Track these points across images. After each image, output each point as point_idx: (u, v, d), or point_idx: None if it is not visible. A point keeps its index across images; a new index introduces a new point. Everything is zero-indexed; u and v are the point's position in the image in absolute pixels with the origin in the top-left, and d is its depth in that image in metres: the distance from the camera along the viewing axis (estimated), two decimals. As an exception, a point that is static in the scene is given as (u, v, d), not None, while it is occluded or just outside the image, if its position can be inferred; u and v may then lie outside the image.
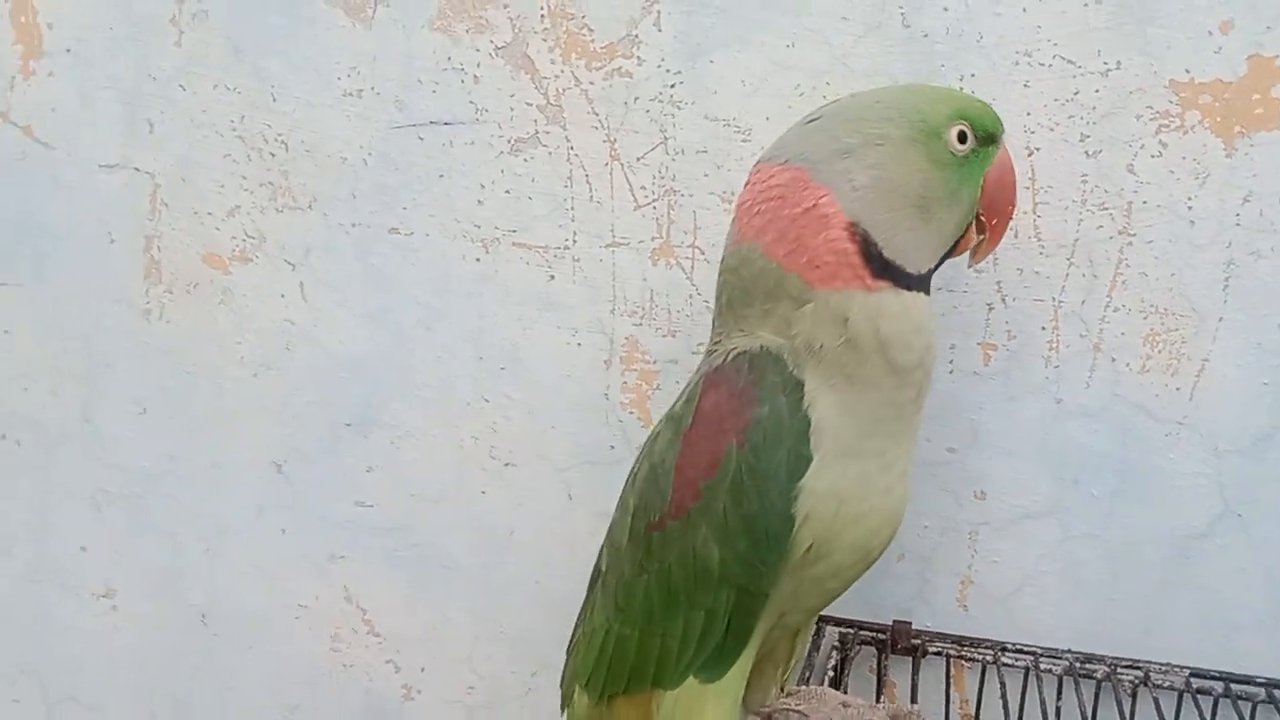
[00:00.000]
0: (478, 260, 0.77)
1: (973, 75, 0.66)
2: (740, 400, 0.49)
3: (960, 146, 0.51)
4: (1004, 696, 0.64)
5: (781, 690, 0.60)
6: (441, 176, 0.76)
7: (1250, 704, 0.63)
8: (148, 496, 0.88)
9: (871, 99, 0.53)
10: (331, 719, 0.86)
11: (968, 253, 0.56)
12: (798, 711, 0.58)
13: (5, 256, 0.88)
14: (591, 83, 0.72)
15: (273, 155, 0.79)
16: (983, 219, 0.54)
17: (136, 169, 0.83)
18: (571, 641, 0.61)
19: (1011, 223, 0.57)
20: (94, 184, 0.84)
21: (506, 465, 0.79)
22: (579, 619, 0.61)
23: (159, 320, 0.85)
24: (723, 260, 0.55)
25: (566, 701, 0.61)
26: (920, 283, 0.52)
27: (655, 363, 0.74)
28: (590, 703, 0.57)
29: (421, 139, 0.76)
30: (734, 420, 0.49)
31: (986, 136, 0.53)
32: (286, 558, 0.85)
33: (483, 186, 0.76)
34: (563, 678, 0.62)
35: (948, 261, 0.55)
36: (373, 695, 0.85)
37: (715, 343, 0.55)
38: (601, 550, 0.59)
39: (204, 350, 0.84)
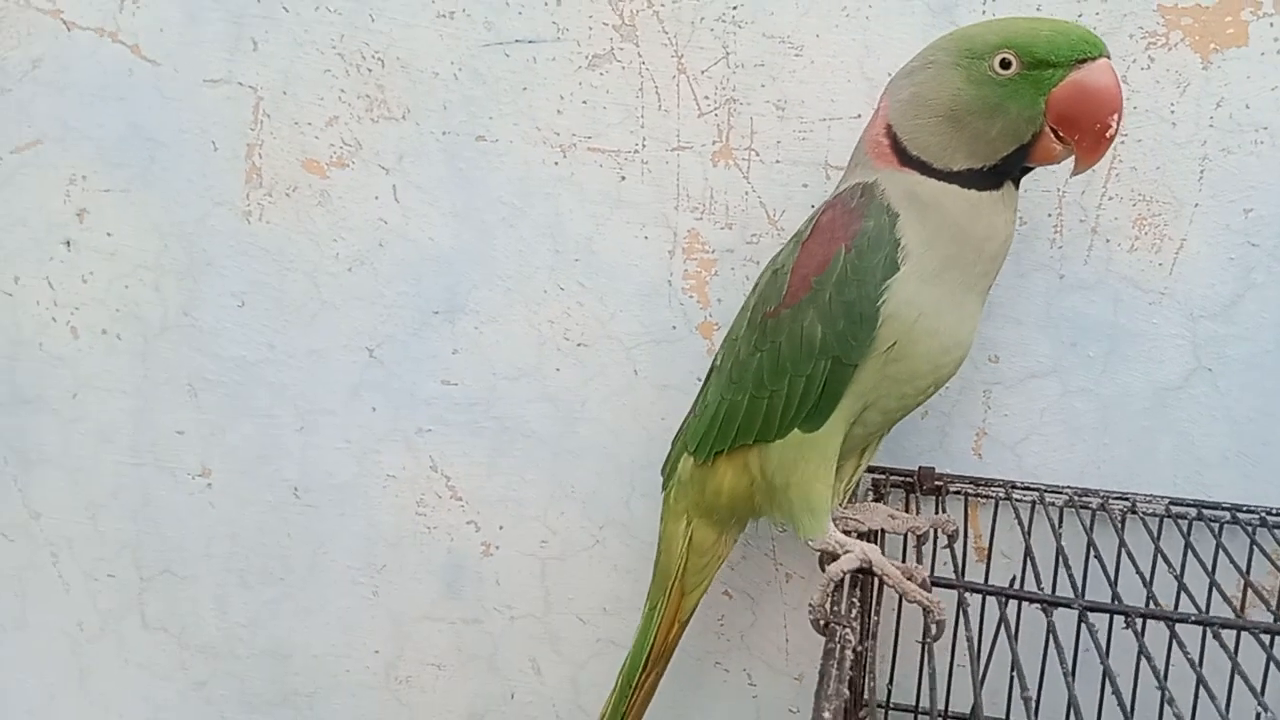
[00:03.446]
0: (555, 164, 0.87)
1: (994, 1, 0.78)
2: (851, 216, 0.62)
3: (1002, 71, 0.60)
4: (1019, 522, 0.76)
5: (840, 505, 0.72)
6: (525, 89, 0.87)
7: (1219, 524, 0.76)
8: (245, 383, 0.97)
9: (950, 33, 0.65)
10: (416, 576, 0.97)
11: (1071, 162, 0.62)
12: (855, 519, 0.70)
13: (112, 165, 0.96)
14: (662, 4, 0.83)
15: (369, 71, 0.89)
16: (1059, 132, 0.60)
17: (240, 83, 0.92)
18: (678, 433, 0.75)
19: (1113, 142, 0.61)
20: (198, 97, 0.93)
21: (579, 345, 0.90)
22: (688, 414, 0.74)
23: (259, 221, 0.94)
24: None
25: (670, 473, 0.75)
26: (969, 179, 0.62)
27: (714, 252, 0.86)
28: (696, 464, 0.71)
29: (507, 55, 0.86)
30: (844, 231, 0.62)
31: (1036, 62, 0.59)
32: (377, 433, 0.95)
33: (561, 98, 0.86)
34: (665, 463, 0.76)
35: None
36: (454, 553, 0.96)
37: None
38: (717, 353, 0.72)
39: (301, 248, 0.93)
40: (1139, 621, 0.57)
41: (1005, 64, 0.59)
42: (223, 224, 0.95)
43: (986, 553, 0.83)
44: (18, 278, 1.01)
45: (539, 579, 0.94)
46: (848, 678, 0.49)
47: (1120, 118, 0.59)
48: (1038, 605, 0.59)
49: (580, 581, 0.93)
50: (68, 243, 0.99)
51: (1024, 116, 0.60)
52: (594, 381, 0.90)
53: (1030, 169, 0.64)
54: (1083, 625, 0.59)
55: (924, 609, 0.59)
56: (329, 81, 0.90)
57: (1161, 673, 0.54)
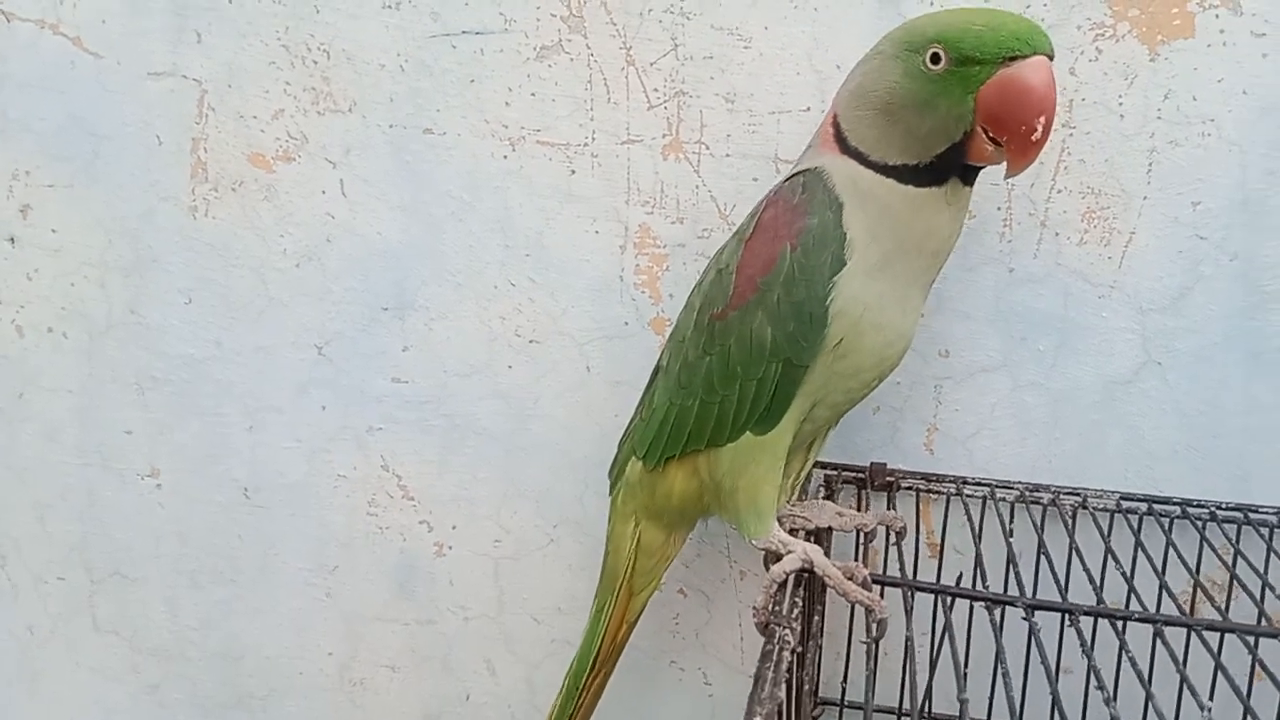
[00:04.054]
0: (505, 157, 0.86)
1: (943, -9, 0.77)
2: (794, 212, 0.61)
3: (933, 66, 0.58)
4: (969, 518, 0.76)
5: (788, 503, 0.72)
6: (472, 81, 0.85)
7: (1169, 519, 0.76)
8: (193, 381, 0.96)
9: (903, 24, 0.63)
10: (368, 576, 0.96)
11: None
12: (802, 517, 0.70)
13: (55, 159, 0.95)
14: (611, -4, 0.82)
15: (315, 63, 0.88)
16: (988, 133, 0.58)
17: (184, 76, 0.90)
18: (625, 433, 0.73)
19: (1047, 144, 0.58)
20: (142, 90, 0.92)
21: (530, 342, 0.89)
22: (634, 415, 0.73)
23: (204, 217, 0.93)
24: None
25: (617, 477, 0.74)
26: (904, 174, 0.61)
27: (665, 247, 0.85)
28: (646, 469, 0.69)
29: (454, 47, 0.85)
30: (788, 228, 0.61)
31: (963, 58, 0.57)
32: (326, 432, 0.94)
33: (510, 90, 0.85)
34: (612, 465, 0.74)
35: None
36: (406, 553, 0.94)
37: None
38: (661, 353, 0.71)
39: (248, 243, 0.92)
40: (1082, 619, 0.57)
41: (935, 59, 0.58)
42: (168, 219, 0.93)
43: (939, 549, 0.82)
44: (-40, 275, 0.99)
45: (493, 579, 0.93)
46: (784, 680, 0.49)
47: (1049, 120, 0.56)
48: (983, 604, 0.59)
49: (534, 581, 0.92)
50: (11, 239, 0.97)
51: (953, 114, 0.58)
52: (546, 378, 0.89)
53: (978, 167, 0.62)
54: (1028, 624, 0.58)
55: (866, 609, 0.58)
56: (274, 74, 0.89)
57: (1106, 670, 0.53)
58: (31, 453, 1.01)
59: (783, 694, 0.48)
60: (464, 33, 0.85)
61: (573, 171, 0.85)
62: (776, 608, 0.56)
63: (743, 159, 0.82)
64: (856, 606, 0.74)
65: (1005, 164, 0.59)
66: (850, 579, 0.59)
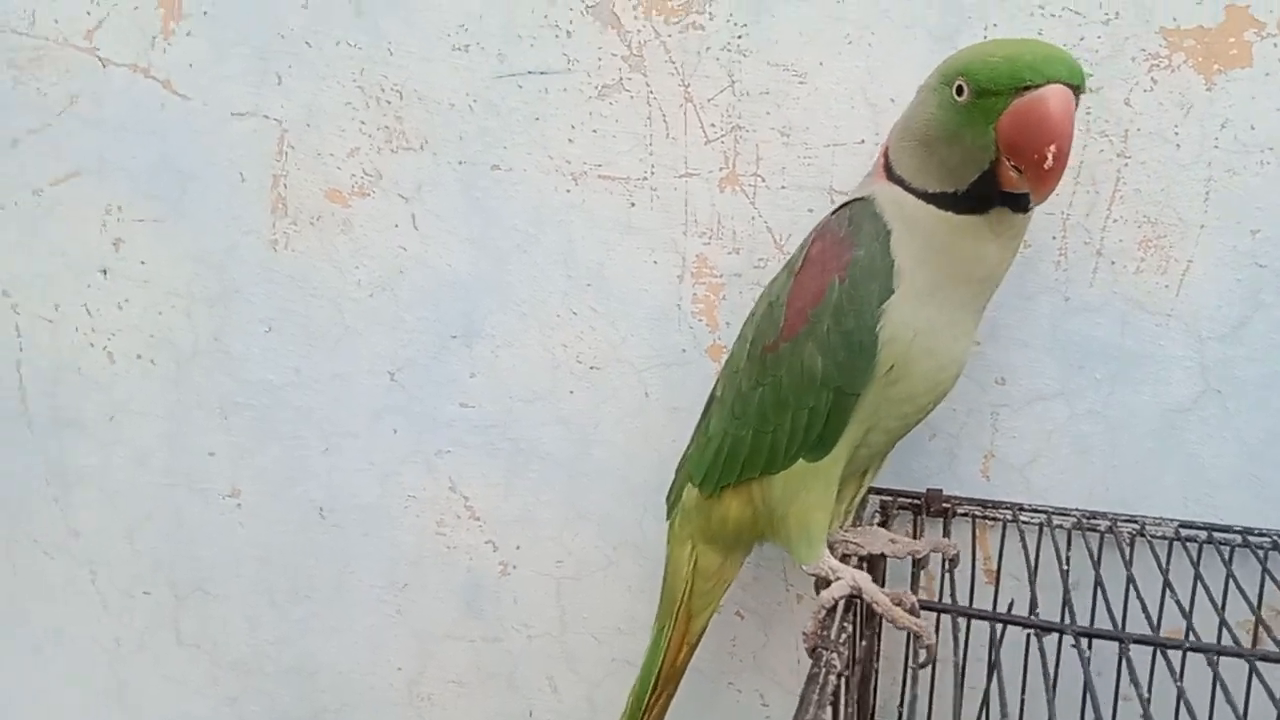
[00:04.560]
0: (568, 191, 0.89)
1: (994, 25, 0.78)
2: (842, 245, 0.63)
3: (959, 98, 0.59)
4: (1024, 547, 0.76)
5: (841, 529, 0.73)
6: (537, 119, 0.89)
7: (1229, 548, 0.75)
8: (273, 406, 1.00)
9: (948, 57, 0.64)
10: (437, 594, 0.99)
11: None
12: (855, 543, 0.71)
13: (145, 196, 1.00)
14: (669, 35, 0.84)
15: (389, 103, 0.92)
16: (1010, 161, 0.58)
17: (266, 116, 0.95)
18: (682, 459, 0.75)
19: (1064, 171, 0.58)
20: (226, 130, 0.97)
21: (591, 369, 0.91)
22: (690, 442, 0.75)
23: (284, 250, 0.97)
24: None
25: (674, 502, 0.76)
26: (945, 202, 0.62)
27: (722, 276, 0.87)
28: (702, 496, 0.71)
29: (520, 87, 0.89)
30: (836, 261, 0.63)
31: (981, 90, 0.58)
32: (398, 454, 0.97)
33: (573, 127, 0.88)
34: (670, 490, 0.76)
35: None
36: (473, 572, 0.98)
37: None
38: (716, 382, 0.73)
39: (325, 275, 0.96)
40: (1127, 647, 0.57)
41: (960, 91, 0.59)
42: (250, 252, 0.98)
43: (995, 576, 0.83)
44: (58, 305, 1.05)
45: (555, 598, 0.96)
46: (829, 702, 0.50)
47: (1061, 149, 0.56)
48: (1031, 631, 0.59)
49: (595, 601, 0.95)
50: (104, 271, 1.03)
51: (978, 144, 0.59)
52: (606, 404, 0.91)
53: (1020, 195, 0.63)
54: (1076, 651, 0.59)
55: (913, 634, 0.59)
56: (350, 113, 0.93)
57: (1165, 703, 0.54)
58: (122, 474, 1.06)
59: (828, 716, 0.49)
60: (529, 73, 0.88)
61: (633, 204, 0.88)
62: (825, 632, 0.58)
63: (798, 191, 0.84)
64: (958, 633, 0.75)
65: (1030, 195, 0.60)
66: (898, 605, 0.60)
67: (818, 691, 0.50)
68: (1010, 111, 0.57)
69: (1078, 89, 0.57)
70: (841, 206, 0.66)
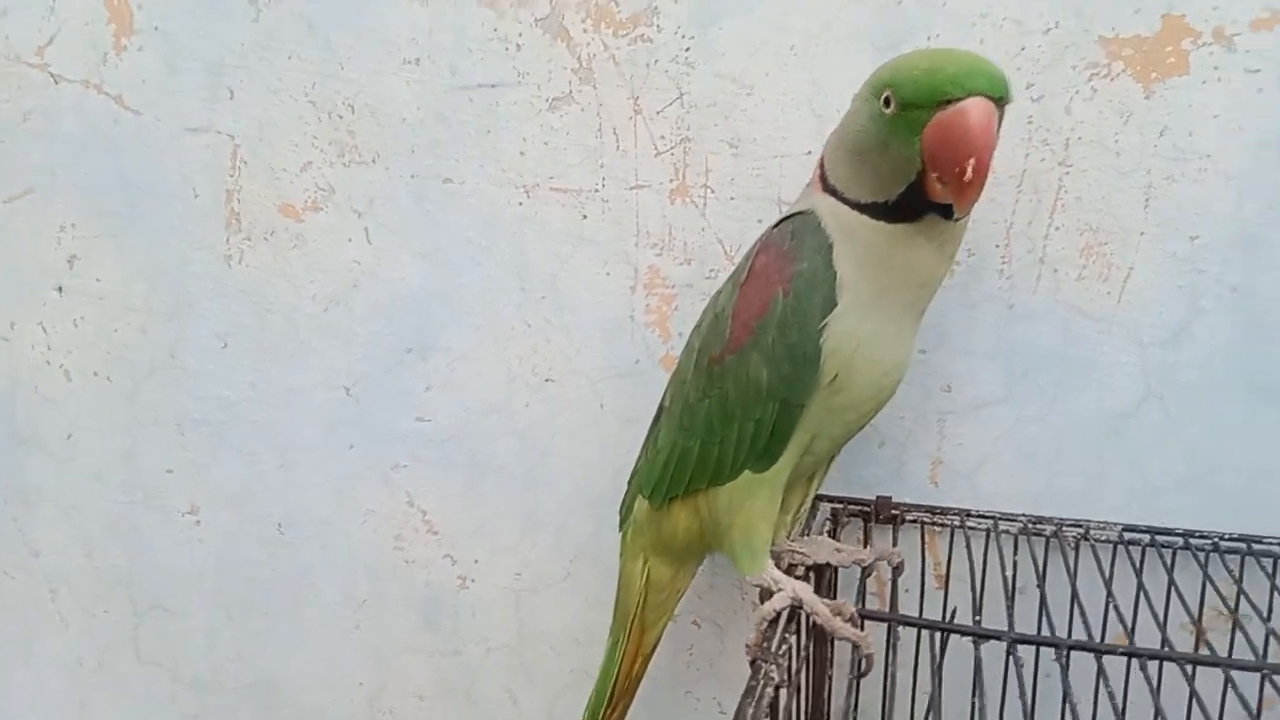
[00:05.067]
0: (520, 204, 0.89)
1: (937, 35, 0.79)
2: (785, 259, 0.63)
3: (885, 110, 0.59)
4: (969, 554, 0.77)
5: (788, 538, 0.74)
6: (488, 132, 0.89)
7: (1171, 550, 0.77)
8: (229, 421, 1.00)
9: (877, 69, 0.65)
10: (396, 609, 0.99)
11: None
12: (800, 552, 0.72)
13: (98, 212, 1.00)
14: (618, 48, 0.85)
15: (341, 117, 0.92)
16: (934, 173, 0.58)
17: (218, 132, 0.95)
18: (633, 472, 0.75)
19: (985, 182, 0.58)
20: (179, 146, 0.97)
21: (546, 380, 0.92)
22: (640, 455, 0.76)
23: (239, 264, 0.97)
24: None
25: (626, 515, 0.76)
26: (876, 211, 0.62)
27: (674, 287, 0.87)
28: (652, 508, 0.72)
29: (471, 100, 0.89)
30: (780, 274, 0.63)
31: (905, 103, 0.58)
32: (354, 469, 0.97)
33: (524, 140, 0.88)
34: (622, 503, 0.76)
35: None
36: (432, 586, 0.98)
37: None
38: (664, 393, 0.74)
39: (279, 290, 0.96)
40: (1066, 653, 0.58)
41: (887, 103, 0.59)
42: (204, 268, 0.98)
43: (944, 581, 0.83)
44: (13, 323, 1.05)
45: (513, 611, 0.96)
46: (765, 714, 0.51)
47: (980, 162, 0.56)
48: (970, 639, 0.60)
49: (553, 613, 0.95)
50: (59, 288, 1.03)
51: (904, 156, 0.59)
52: (562, 416, 0.92)
53: (944, 205, 0.61)
54: (1012, 658, 0.59)
55: (853, 644, 0.60)
56: (303, 128, 0.93)
57: (1075, 703, 0.54)
58: (80, 491, 1.06)
59: (765, 727, 0.50)
60: (480, 86, 0.88)
61: (584, 216, 0.88)
62: (765, 644, 0.58)
63: (747, 201, 0.84)
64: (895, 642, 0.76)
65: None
66: (839, 615, 0.60)
67: (753, 705, 0.50)
68: (932, 125, 0.57)
69: (1000, 100, 0.58)
70: (784, 220, 0.67)
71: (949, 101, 0.56)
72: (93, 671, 1.10)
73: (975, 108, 0.56)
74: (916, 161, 0.58)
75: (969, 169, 0.56)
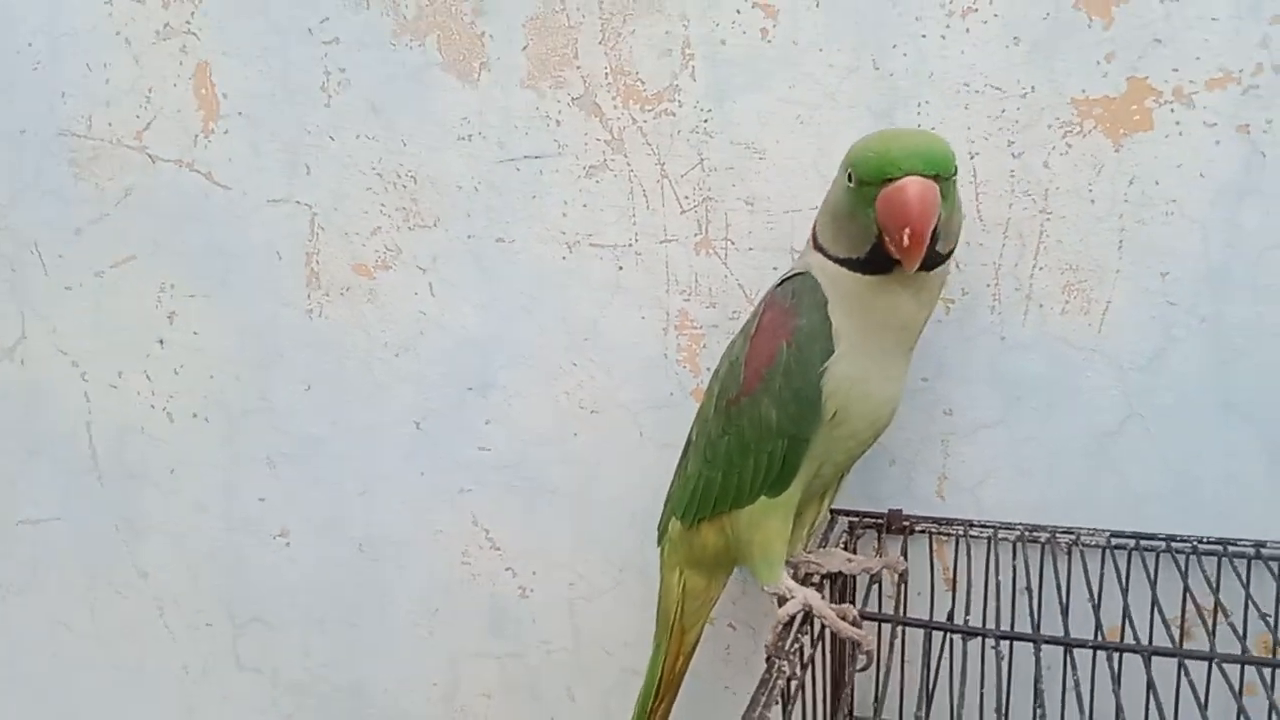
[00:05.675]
0: (564, 259, 1.01)
1: (927, 102, 0.89)
2: (788, 314, 0.74)
3: (850, 184, 0.70)
4: (969, 557, 0.87)
5: (804, 550, 0.84)
6: (534, 197, 1.01)
7: (1155, 554, 0.85)
8: (314, 456, 1.13)
9: None
10: (465, 617, 1.11)
11: None
12: (815, 563, 0.82)
13: (196, 274, 1.13)
14: (645, 121, 0.96)
15: (405, 187, 1.04)
16: (885, 237, 0.68)
17: (298, 202, 1.08)
18: (668, 495, 0.87)
19: (925, 245, 0.66)
20: (263, 216, 1.10)
21: (592, 413, 1.03)
22: (673, 479, 0.87)
23: (319, 318, 1.10)
24: None
25: (663, 533, 0.87)
26: (853, 265, 0.72)
27: (701, 328, 0.98)
28: (684, 528, 0.83)
29: (518, 170, 1.01)
30: (784, 329, 0.74)
31: (861, 180, 0.68)
32: (426, 495, 1.10)
33: (565, 203, 1.00)
34: (661, 519, 0.87)
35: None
36: (496, 596, 1.09)
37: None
38: (691, 427, 0.85)
39: (356, 339, 1.09)
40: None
41: (850, 178, 0.69)
42: (289, 321, 1.11)
43: (953, 584, 0.93)
44: (121, 372, 1.18)
45: (569, 617, 1.07)
46: (776, 702, 0.61)
47: (916, 231, 0.65)
48: (958, 636, 0.70)
49: (604, 619, 1.06)
50: (161, 341, 1.16)
51: (862, 222, 0.69)
52: (607, 444, 1.03)
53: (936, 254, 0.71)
54: (1042, 657, 0.68)
55: (855, 643, 0.70)
56: (371, 197, 1.06)
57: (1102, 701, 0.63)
58: (184, 520, 1.19)
59: (777, 714, 0.61)
60: (526, 157, 1.00)
61: (620, 268, 0.99)
62: (780, 644, 0.69)
63: (763, 251, 0.95)
64: (896, 640, 0.86)
65: None
66: (843, 618, 0.71)
67: (766, 693, 0.61)
68: (880, 199, 0.67)
69: (938, 176, 0.67)
70: (785, 279, 0.77)
71: (890, 180, 0.67)
72: (198, 679, 1.23)
73: (911, 185, 0.66)
74: (873, 227, 0.69)
75: (905, 236, 0.66)
